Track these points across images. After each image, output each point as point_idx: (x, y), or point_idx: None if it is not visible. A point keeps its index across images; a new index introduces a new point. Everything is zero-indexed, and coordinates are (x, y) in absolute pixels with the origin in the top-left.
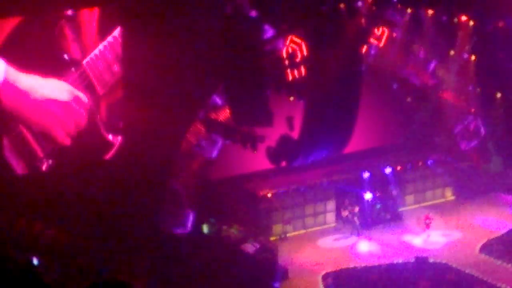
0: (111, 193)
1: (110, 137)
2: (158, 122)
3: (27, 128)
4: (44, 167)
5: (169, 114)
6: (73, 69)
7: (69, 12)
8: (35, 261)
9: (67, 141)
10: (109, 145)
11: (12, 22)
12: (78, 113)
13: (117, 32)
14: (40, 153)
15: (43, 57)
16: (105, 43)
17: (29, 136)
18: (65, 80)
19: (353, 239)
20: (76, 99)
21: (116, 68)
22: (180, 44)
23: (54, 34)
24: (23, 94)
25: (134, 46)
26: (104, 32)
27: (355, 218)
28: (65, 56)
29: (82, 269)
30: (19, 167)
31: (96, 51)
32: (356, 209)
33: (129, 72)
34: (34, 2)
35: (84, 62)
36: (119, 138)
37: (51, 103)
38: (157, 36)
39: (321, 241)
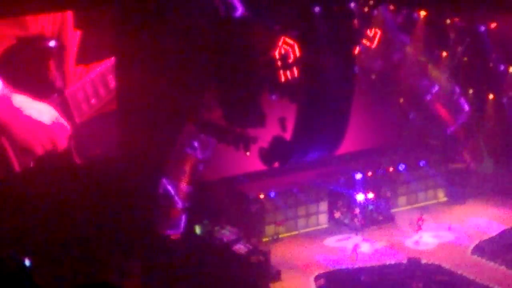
0: (104, 194)
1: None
2: (151, 123)
3: (9, 141)
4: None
5: (162, 115)
6: (56, 95)
7: (53, 44)
8: (27, 262)
9: (41, 153)
10: (77, 170)
11: (4, 45)
12: (58, 136)
13: (99, 69)
14: (17, 167)
15: (32, 81)
16: (87, 78)
17: (9, 149)
18: (48, 103)
19: (354, 239)
20: (58, 125)
21: (93, 101)
22: (173, 45)
23: (41, 61)
24: (15, 111)
25: (128, 46)
26: (84, 64)
27: (355, 220)
28: (49, 83)
29: (74, 270)
30: None
31: (78, 84)
32: (357, 210)
33: (123, 74)
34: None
35: (66, 91)
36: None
37: (37, 124)
38: (150, 37)
39: (326, 241)
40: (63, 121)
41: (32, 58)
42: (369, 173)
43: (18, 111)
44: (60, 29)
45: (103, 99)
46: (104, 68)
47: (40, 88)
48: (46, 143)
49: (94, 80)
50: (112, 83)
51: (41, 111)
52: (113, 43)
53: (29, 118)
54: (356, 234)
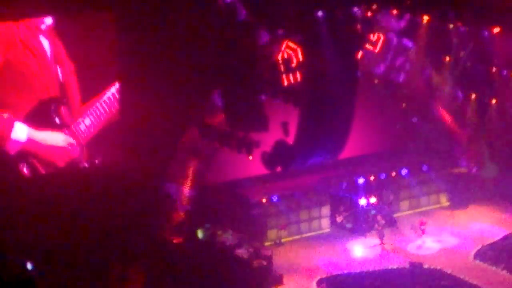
0: (106, 198)
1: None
2: (152, 126)
3: (37, 160)
4: None
5: (163, 119)
6: (66, 130)
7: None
8: (29, 266)
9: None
10: (78, 174)
11: (34, 101)
12: (70, 151)
13: (99, 100)
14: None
15: (50, 125)
16: (89, 111)
17: (38, 164)
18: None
19: (385, 246)
20: (71, 144)
21: (94, 126)
22: (175, 49)
23: (54, 114)
24: (39, 143)
25: (128, 51)
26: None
27: (376, 225)
28: (57, 121)
29: (76, 275)
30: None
31: (82, 118)
32: (379, 217)
33: (124, 77)
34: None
35: (72, 126)
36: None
37: (55, 148)
38: (152, 41)
39: (354, 249)
40: (72, 141)
41: (46, 115)
42: (372, 178)
43: (41, 143)
44: (61, 89)
45: (102, 122)
46: (103, 98)
47: (55, 126)
48: (63, 157)
49: (95, 110)
50: (108, 107)
51: (57, 138)
52: (115, 47)
53: (50, 145)
54: (381, 240)
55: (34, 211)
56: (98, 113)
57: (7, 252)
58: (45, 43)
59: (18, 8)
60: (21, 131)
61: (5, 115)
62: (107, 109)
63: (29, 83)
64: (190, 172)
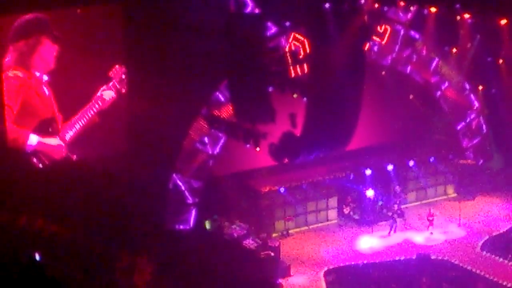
0: (114, 189)
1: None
2: (160, 118)
3: (42, 155)
4: None
5: (171, 110)
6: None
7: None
8: (37, 257)
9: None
10: (86, 165)
11: (37, 120)
12: (61, 148)
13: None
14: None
15: (46, 132)
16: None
17: (43, 158)
18: None
19: (393, 238)
20: (60, 144)
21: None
22: (184, 41)
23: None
24: (43, 144)
25: (136, 42)
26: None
27: (393, 215)
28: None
29: (84, 265)
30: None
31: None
32: (395, 207)
33: (132, 68)
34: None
35: (60, 133)
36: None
37: (52, 146)
38: (160, 32)
39: (362, 240)
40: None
41: (45, 128)
42: (379, 169)
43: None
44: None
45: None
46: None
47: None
48: (58, 152)
49: (75, 122)
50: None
51: (53, 141)
52: (122, 39)
53: (49, 146)
54: (394, 231)
55: (41, 203)
56: (79, 122)
57: (16, 242)
58: (46, 90)
59: (29, 2)
60: (33, 139)
61: (23, 131)
62: (87, 117)
63: (36, 111)
64: (198, 163)
